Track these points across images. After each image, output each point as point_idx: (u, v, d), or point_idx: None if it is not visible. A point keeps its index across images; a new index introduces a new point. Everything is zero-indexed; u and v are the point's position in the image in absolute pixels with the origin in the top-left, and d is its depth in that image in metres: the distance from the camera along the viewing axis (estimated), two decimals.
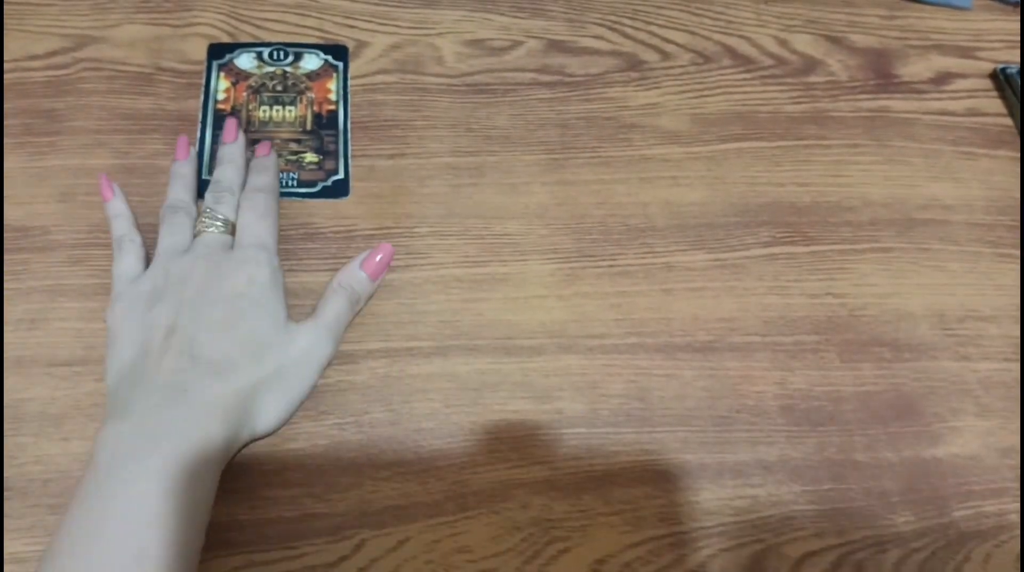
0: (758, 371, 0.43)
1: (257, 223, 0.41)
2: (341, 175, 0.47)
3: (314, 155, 0.48)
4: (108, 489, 0.31)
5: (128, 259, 0.40)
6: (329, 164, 0.47)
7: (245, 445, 0.37)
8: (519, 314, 0.44)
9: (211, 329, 0.36)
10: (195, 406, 0.34)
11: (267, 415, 0.37)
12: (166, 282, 0.38)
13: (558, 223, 0.47)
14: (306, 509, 0.37)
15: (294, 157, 0.47)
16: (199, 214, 0.42)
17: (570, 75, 0.54)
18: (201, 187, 0.45)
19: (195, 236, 0.41)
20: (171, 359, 0.35)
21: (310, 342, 0.38)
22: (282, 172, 0.47)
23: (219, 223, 0.40)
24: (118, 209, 0.43)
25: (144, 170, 0.46)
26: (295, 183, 0.46)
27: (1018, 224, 0.51)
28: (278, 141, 0.48)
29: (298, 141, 0.48)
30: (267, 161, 0.45)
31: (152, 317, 0.37)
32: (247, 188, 0.43)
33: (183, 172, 0.44)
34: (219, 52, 0.51)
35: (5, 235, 0.43)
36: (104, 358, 0.37)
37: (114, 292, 0.39)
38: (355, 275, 0.41)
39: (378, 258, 0.42)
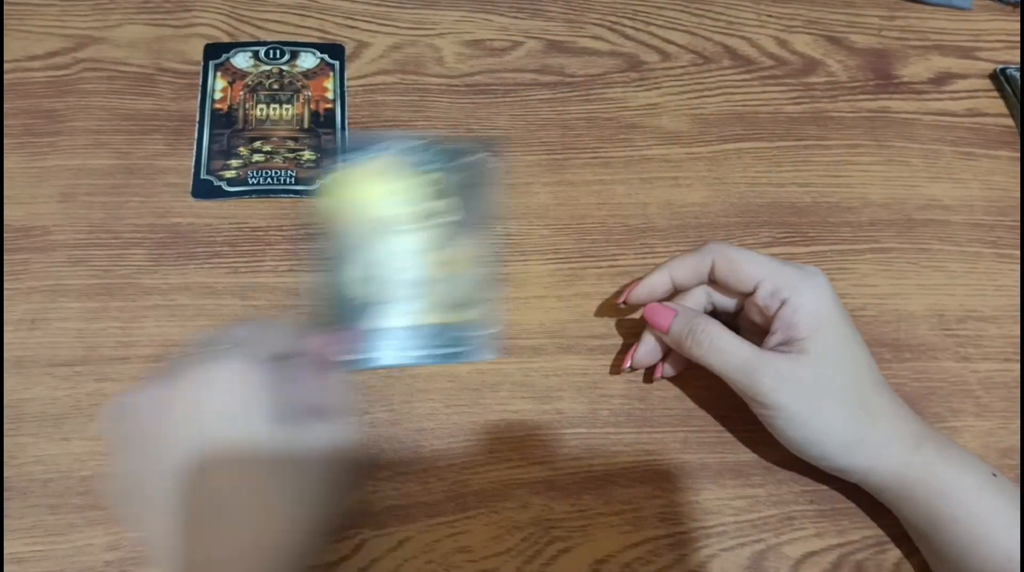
0: None
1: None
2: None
3: (312, 153, 0.48)
4: None
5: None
6: (327, 162, 0.47)
7: None
8: (519, 314, 0.44)
9: None
10: None
11: None
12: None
13: (559, 223, 0.47)
14: None
15: (292, 155, 0.47)
16: None
17: (570, 75, 0.54)
18: (200, 187, 0.46)
19: None
20: None
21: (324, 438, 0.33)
22: (280, 170, 0.47)
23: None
24: None
25: (144, 170, 0.46)
26: (293, 181, 0.46)
27: (1018, 224, 0.51)
28: (275, 139, 0.48)
29: (295, 139, 0.48)
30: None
31: None
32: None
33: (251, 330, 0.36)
34: (215, 52, 0.51)
35: (5, 235, 0.43)
36: None
37: None
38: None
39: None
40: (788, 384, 0.35)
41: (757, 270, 0.38)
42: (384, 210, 0.39)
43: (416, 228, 0.39)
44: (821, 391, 0.35)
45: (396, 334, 0.38)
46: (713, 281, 0.40)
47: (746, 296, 0.39)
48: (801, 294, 0.36)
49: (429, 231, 0.39)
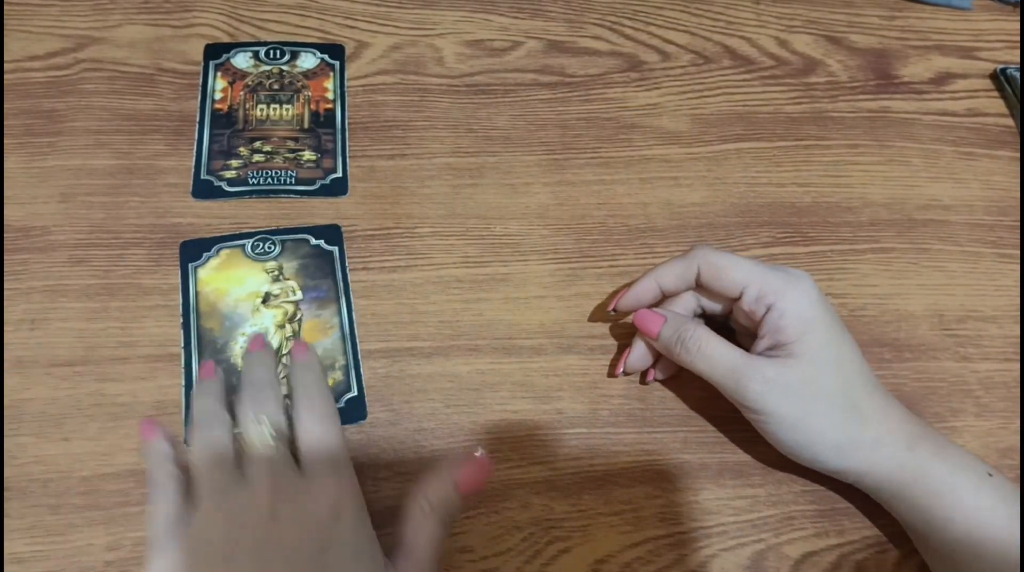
0: None
1: (325, 431, 0.34)
2: (339, 173, 0.47)
3: (312, 153, 0.48)
4: None
5: (171, 497, 0.32)
6: (327, 162, 0.47)
7: None
8: (519, 314, 0.44)
9: None
10: None
11: None
12: (227, 530, 0.30)
13: (559, 223, 0.47)
14: None
15: (292, 155, 0.47)
16: (239, 424, 0.34)
17: (570, 75, 0.54)
18: (200, 187, 0.46)
19: (241, 454, 0.33)
20: None
21: None
22: (280, 170, 0.47)
23: (270, 433, 0.33)
24: (161, 450, 0.34)
25: (145, 170, 0.46)
26: (293, 181, 0.46)
27: (1018, 224, 0.51)
28: (275, 139, 0.48)
29: (296, 139, 0.48)
30: (309, 357, 0.38)
31: None
32: (296, 385, 0.36)
33: (210, 389, 0.37)
34: (216, 52, 0.51)
35: (5, 235, 0.43)
36: None
37: (155, 538, 0.31)
38: (448, 494, 0.33)
39: (475, 476, 0.34)
40: (776, 389, 0.35)
41: (742, 276, 0.38)
42: (238, 294, 0.42)
43: (268, 309, 0.42)
44: (809, 395, 0.36)
45: None
46: (700, 286, 0.40)
47: (733, 301, 0.39)
48: (786, 299, 0.36)
49: (278, 309, 0.42)
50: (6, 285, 0.41)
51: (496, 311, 0.44)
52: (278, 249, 0.43)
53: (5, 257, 0.42)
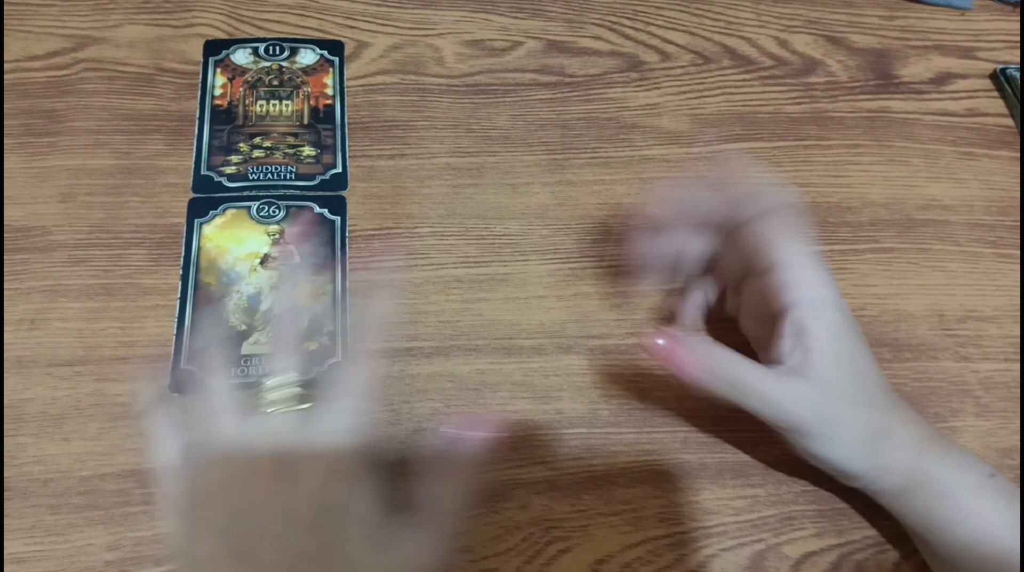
0: None
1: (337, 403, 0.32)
2: (339, 169, 0.47)
3: (311, 149, 0.48)
4: None
5: (175, 455, 0.32)
6: (327, 158, 0.47)
7: None
8: (519, 314, 0.44)
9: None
10: None
11: None
12: (228, 489, 0.30)
13: (558, 223, 0.47)
14: None
15: (292, 151, 0.47)
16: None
17: (570, 75, 0.54)
18: (201, 183, 0.46)
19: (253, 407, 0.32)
20: None
21: (414, 553, 0.31)
22: (280, 166, 0.47)
23: (280, 396, 0.32)
24: (160, 399, 0.35)
25: (145, 170, 0.46)
26: (293, 177, 0.46)
27: (1018, 224, 0.51)
28: (275, 135, 0.48)
29: (295, 135, 0.48)
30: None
31: (213, 547, 0.29)
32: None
33: (220, 365, 0.34)
34: (215, 48, 0.51)
35: (5, 235, 0.43)
36: None
37: (163, 494, 0.32)
38: (463, 450, 0.33)
39: (488, 427, 0.34)
40: (804, 406, 0.34)
41: (783, 261, 0.36)
42: (238, 253, 0.43)
43: (265, 269, 0.43)
44: (835, 410, 0.35)
45: (255, 360, 0.41)
46: (729, 239, 0.38)
47: (747, 270, 0.37)
48: (816, 318, 0.35)
49: (274, 272, 0.43)
50: (6, 285, 0.41)
51: (496, 311, 0.44)
52: (282, 214, 0.45)
53: (5, 257, 0.42)
